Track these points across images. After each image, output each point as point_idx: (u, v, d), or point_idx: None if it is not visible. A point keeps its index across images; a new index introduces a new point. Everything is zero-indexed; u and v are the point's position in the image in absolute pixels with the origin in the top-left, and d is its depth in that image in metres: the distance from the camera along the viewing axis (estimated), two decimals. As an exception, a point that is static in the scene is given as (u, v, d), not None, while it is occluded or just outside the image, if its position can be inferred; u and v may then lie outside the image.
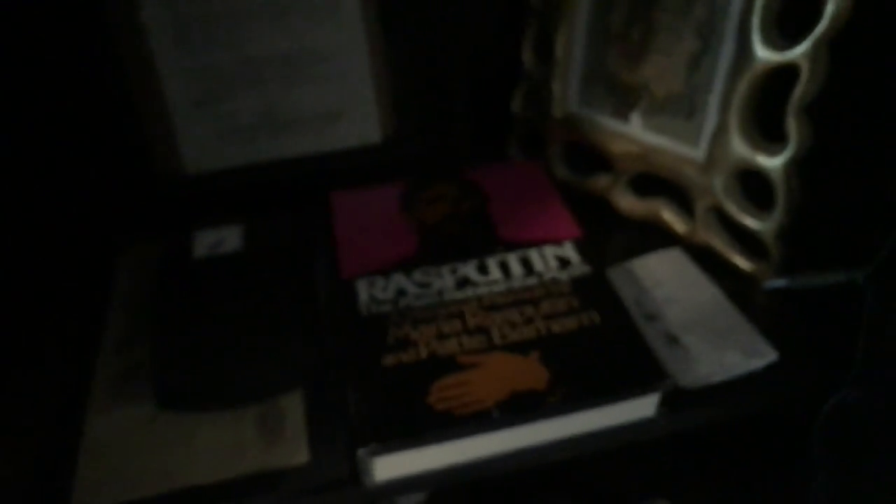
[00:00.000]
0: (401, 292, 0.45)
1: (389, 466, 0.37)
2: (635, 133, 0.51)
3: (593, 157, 0.54)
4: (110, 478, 0.39)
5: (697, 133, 0.48)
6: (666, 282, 0.48)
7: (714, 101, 0.46)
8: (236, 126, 0.54)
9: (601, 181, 0.55)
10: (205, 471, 0.40)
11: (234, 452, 0.40)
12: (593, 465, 0.63)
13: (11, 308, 0.42)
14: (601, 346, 0.41)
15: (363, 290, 0.46)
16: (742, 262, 0.48)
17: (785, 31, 0.41)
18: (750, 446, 0.54)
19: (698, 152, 0.48)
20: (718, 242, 0.49)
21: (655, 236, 0.52)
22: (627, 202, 0.53)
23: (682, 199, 0.51)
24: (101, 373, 0.45)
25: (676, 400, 0.40)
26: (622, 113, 0.52)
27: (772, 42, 0.41)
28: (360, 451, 0.36)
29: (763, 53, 0.41)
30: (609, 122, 0.53)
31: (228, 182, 0.55)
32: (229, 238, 0.47)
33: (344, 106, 0.56)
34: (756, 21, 0.40)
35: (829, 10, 0.37)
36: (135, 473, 0.40)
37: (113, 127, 0.52)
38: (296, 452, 0.40)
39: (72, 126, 0.52)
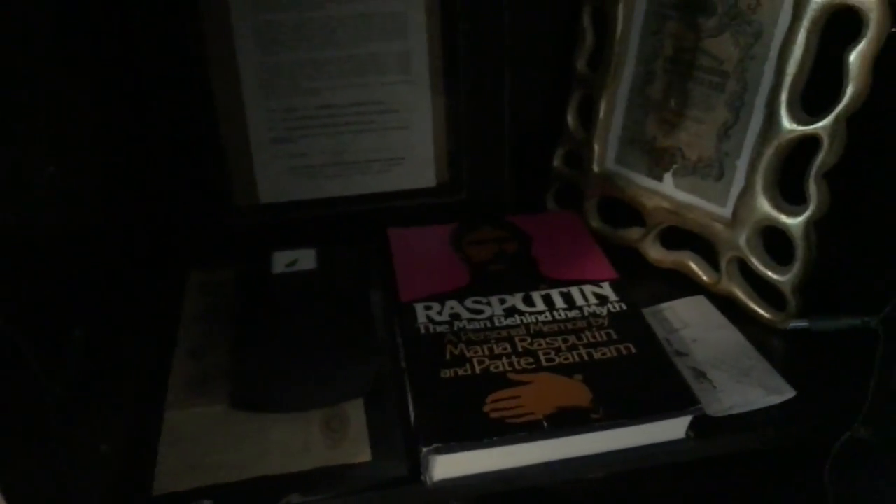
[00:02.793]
0: (455, 316, 0.50)
1: (447, 466, 0.42)
2: (667, 191, 0.57)
3: (623, 211, 0.60)
4: (188, 466, 0.43)
5: (725, 193, 0.53)
6: (692, 324, 0.53)
7: (742, 165, 0.52)
8: (308, 164, 0.60)
9: (633, 233, 0.60)
10: (275, 464, 0.44)
11: (301, 449, 0.44)
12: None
13: (101, 318, 0.46)
14: (638, 373, 0.46)
15: (421, 313, 0.51)
16: (762, 311, 0.53)
17: (805, 106, 0.47)
18: (767, 477, 0.58)
19: (726, 210, 0.54)
20: (740, 292, 0.54)
21: (681, 284, 0.57)
22: (657, 253, 0.59)
23: (707, 250, 0.56)
24: (177, 376, 0.50)
25: (704, 426, 0.44)
26: (656, 173, 0.58)
27: (797, 116, 0.47)
28: (424, 450, 0.41)
29: (789, 125, 0.47)
30: (643, 180, 0.59)
31: (297, 213, 0.61)
32: (304, 259, 0.52)
33: (405, 152, 0.62)
34: (784, 97, 0.47)
35: (850, 90, 0.43)
36: (210, 463, 0.44)
37: (200, 159, 0.58)
38: (359, 452, 0.44)
39: (164, 158, 0.57)
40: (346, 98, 0.59)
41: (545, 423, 0.42)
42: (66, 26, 0.45)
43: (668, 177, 0.57)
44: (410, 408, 0.44)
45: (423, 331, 0.49)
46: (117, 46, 0.53)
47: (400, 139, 0.61)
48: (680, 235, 0.58)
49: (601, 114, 0.59)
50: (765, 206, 0.50)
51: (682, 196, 0.56)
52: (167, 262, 0.58)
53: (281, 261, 0.52)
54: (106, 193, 0.49)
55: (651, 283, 0.58)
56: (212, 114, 0.57)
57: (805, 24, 0.45)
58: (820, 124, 0.45)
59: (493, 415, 0.43)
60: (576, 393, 0.44)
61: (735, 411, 0.46)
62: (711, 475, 0.65)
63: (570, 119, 0.62)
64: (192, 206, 0.59)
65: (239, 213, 0.60)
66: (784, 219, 0.49)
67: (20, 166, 0.34)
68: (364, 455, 0.44)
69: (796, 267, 0.50)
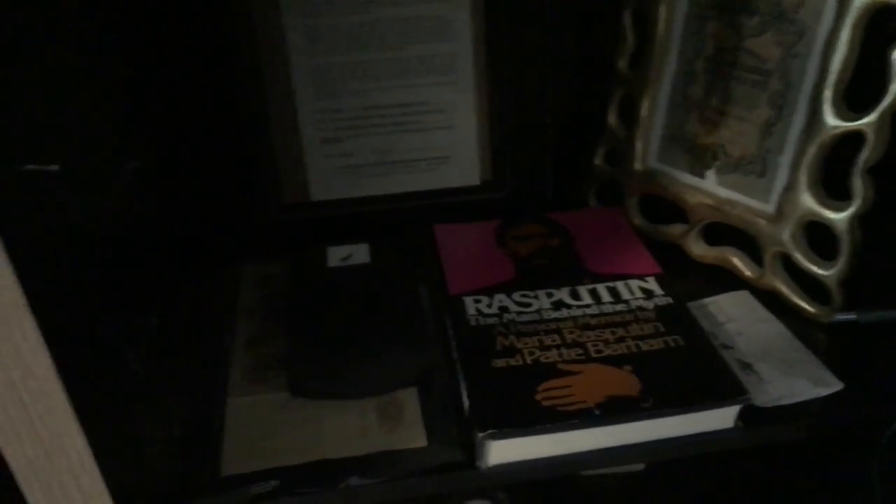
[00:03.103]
0: (504, 309, 0.52)
1: (501, 452, 0.43)
2: (710, 188, 0.58)
3: (664, 208, 0.61)
4: (252, 450, 0.45)
5: (768, 189, 0.54)
6: (737, 318, 0.54)
7: (785, 161, 0.53)
8: (356, 163, 0.62)
9: (675, 229, 0.61)
10: (333, 448, 0.45)
11: (358, 434, 0.46)
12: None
13: (170, 309, 0.49)
14: (686, 364, 0.47)
15: (470, 305, 0.52)
16: (806, 304, 0.54)
17: (848, 102, 0.48)
18: (815, 469, 0.59)
19: (769, 206, 0.54)
20: (784, 287, 0.55)
21: (724, 279, 0.58)
22: (699, 249, 0.60)
23: (749, 245, 0.57)
24: (237, 365, 0.52)
25: (752, 416, 0.45)
26: (698, 170, 0.59)
27: (841, 112, 0.48)
28: (480, 436, 0.42)
29: (833, 122, 0.48)
30: (685, 177, 0.60)
31: (345, 210, 0.63)
32: (358, 253, 0.54)
33: (450, 151, 0.63)
34: (828, 94, 0.48)
35: (894, 87, 0.44)
36: (272, 447, 0.45)
37: (255, 160, 0.60)
38: (414, 437, 0.46)
39: (221, 160, 0.60)
40: (393, 99, 0.61)
41: (596, 411, 0.43)
42: (134, 45, 0.47)
43: (710, 174, 0.58)
44: (464, 396, 0.46)
45: (473, 322, 0.51)
46: (179, 57, 0.56)
47: (445, 138, 0.63)
48: (722, 231, 0.59)
49: (643, 113, 0.60)
50: (808, 201, 0.51)
51: (725, 192, 0.57)
52: (225, 258, 0.60)
53: (336, 255, 0.54)
54: (171, 195, 0.52)
55: (694, 279, 0.59)
56: (265, 117, 0.59)
57: (849, 22, 0.46)
58: (864, 121, 0.46)
59: (545, 403, 0.44)
60: (625, 383, 0.45)
61: (783, 402, 0.47)
62: (758, 467, 0.65)
63: (612, 118, 0.64)
64: (247, 205, 0.61)
65: (291, 211, 0.62)
66: (829, 214, 0.50)
67: (108, 162, 0.36)
68: (420, 440, 0.46)
69: (841, 262, 0.51)
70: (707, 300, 0.56)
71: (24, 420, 0.29)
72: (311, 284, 0.53)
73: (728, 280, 0.58)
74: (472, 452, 0.43)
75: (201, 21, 0.56)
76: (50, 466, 0.31)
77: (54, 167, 0.28)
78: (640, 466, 0.83)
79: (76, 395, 0.29)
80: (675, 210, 0.61)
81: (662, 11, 0.57)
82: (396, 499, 0.43)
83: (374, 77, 0.60)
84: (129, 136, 0.40)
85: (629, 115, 0.62)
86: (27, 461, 0.30)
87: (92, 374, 0.32)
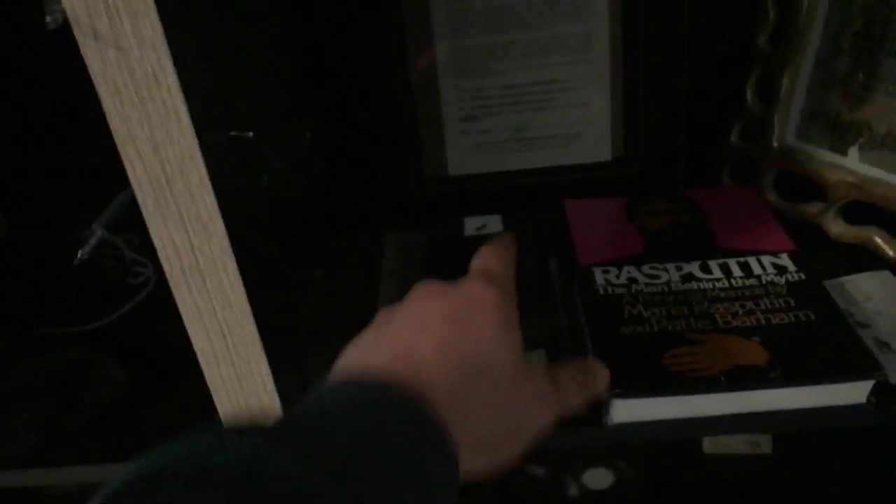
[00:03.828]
0: (632, 280, 0.54)
1: (626, 410, 0.45)
2: (852, 165, 0.57)
3: (800, 186, 0.61)
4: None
5: (916, 167, 0.53)
6: (876, 298, 0.53)
7: (936, 138, 0.51)
8: (492, 140, 0.66)
9: (812, 208, 0.60)
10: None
11: (492, 389, 0.50)
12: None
13: (325, 266, 0.54)
14: (818, 338, 0.47)
15: (599, 276, 0.54)
16: (954, 287, 0.52)
17: None
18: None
19: (916, 184, 0.53)
20: (930, 268, 0.53)
21: (864, 259, 0.57)
22: (839, 228, 0.59)
23: (893, 225, 0.55)
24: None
25: (888, 393, 0.45)
26: (840, 147, 0.58)
27: None
28: (607, 394, 0.45)
29: None
30: (826, 155, 0.59)
31: (481, 185, 0.67)
32: (492, 223, 0.58)
33: (582, 128, 0.66)
34: None
35: None
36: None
37: (399, 136, 0.65)
38: (543, 395, 0.49)
39: (369, 136, 0.65)
40: (529, 78, 0.64)
41: (722, 378, 0.45)
42: (304, 38, 0.53)
43: (853, 151, 0.57)
44: (591, 358, 0.48)
45: (601, 291, 0.53)
46: (339, 47, 0.61)
47: (578, 115, 0.65)
48: (862, 210, 0.57)
49: (783, 90, 0.60)
50: (961, 179, 0.49)
51: (868, 170, 0.56)
52: (371, 226, 0.65)
53: (472, 225, 0.58)
54: (332, 167, 0.58)
55: (831, 258, 0.58)
56: (410, 96, 0.64)
57: None
58: None
59: (672, 368, 0.46)
60: (753, 353, 0.46)
61: (920, 382, 0.46)
62: (891, 460, 0.64)
63: (750, 95, 0.63)
64: (391, 177, 0.66)
65: (430, 184, 0.67)
66: (983, 192, 0.48)
67: (288, 134, 0.42)
68: (548, 398, 0.49)
69: None
70: (844, 279, 0.55)
71: (221, 346, 0.35)
72: (448, 252, 0.58)
73: (869, 260, 0.57)
74: (599, 410, 0.46)
75: (357, 15, 0.61)
76: (240, 387, 0.36)
77: (250, 133, 0.33)
78: (768, 449, 0.83)
79: (263, 328, 0.35)
80: (812, 189, 0.60)
81: (808, -15, 0.56)
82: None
83: (512, 57, 0.63)
84: (304, 112, 0.46)
85: (768, 92, 0.61)
86: (221, 381, 0.36)
87: (274, 311, 0.37)
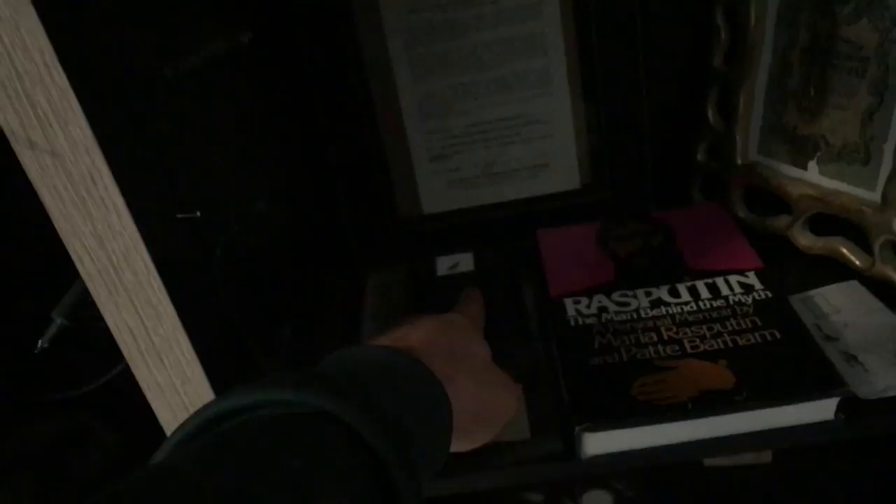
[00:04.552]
0: (602, 309, 0.55)
1: (598, 443, 0.46)
2: (812, 178, 0.58)
3: (769, 200, 0.61)
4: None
5: (874, 177, 0.53)
6: (844, 309, 0.53)
7: (889, 148, 0.52)
8: (463, 176, 0.67)
9: (780, 221, 0.61)
10: (447, 441, 0.51)
11: (469, 428, 0.51)
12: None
13: (303, 318, 0.56)
14: (783, 357, 0.48)
15: (570, 307, 0.55)
16: (920, 293, 0.52)
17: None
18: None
19: (875, 195, 0.53)
20: (896, 275, 0.54)
21: (834, 270, 0.57)
22: (806, 240, 0.59)
23: (858, 235, 0.56)
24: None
25: (854, 408, 0.46)
26: (800, 161, 0.58)
27: (942, 96, 0.47)
28: (577, 429, 0.46)
29: (934, 106, 0.47)
30: (787, 169, 0.59)
31: (455, 221, 0.68)
32: (463, 262, 0.59)
33: (550, 159, 0.67)
34: (926, 79, 0.47)
35: None
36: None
37: (371, 179, 0.67)
38: (519, 430, 0.50)
39: (342, 181, 0.67)
40: (494, 114, 0.65)
41: (689, 405, 0.45)
42: (267, 100, 0.54)
43: (812, 164, 0.58)
44: (563, 392, 0.49)
45: (572, 323, 0.54)
46: (300, 94, 0.63)
47: (544, 147, 0.66)
48: (830, 221, 0.58)
49: (741, 107, 0.61)
50: (916, 187, 0.50)
51: (828, 182, 0.57)
52: (349, 269, 0.67)
53: (444, 264, 0.59)
54: (299, 215, 0.59)
55: (802, 270, 0.58)
56: (379, 140, 0.66)
57: (947, 2, 0.45)
58: (968, 103, 0.45)
59: (640, 397, 0.47)
60: (719, 377, 0.47)
61: (889, 394, 0.46)
62: (868, 457, 0.64)
63: (710, 114, 0.64)
64: (366, 220, 0.68)
65: (406, 223, 0.68)
66: (937, 199, 0.49)
67: (242, 202, 0.44)
68: (524, 433, 0.50)
69: (954, 247, 0.49)
70: (813, 292, 0.55)
71: (184, 417, 0.36)
72: (424, 292, 0.59)
73: (838, 270, 0.57)
74: (572, 444, 0.47)
75: (319, 65, 0.63)
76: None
77: (197, 213, 0.35)
78: (768, 458, 0.83)
79: (225, 396, 0.36)
80: (780, 202, 0.61)
81: (753, 5, 0.57)
82: (503, 485, 0.47)
83: (474, 96, 0.64)
84: (257, 181, 0.47)
85: (728, 110, 0.62)
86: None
87: (235, 378, 0.38)
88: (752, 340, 0.49)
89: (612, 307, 0.55)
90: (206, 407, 0.30)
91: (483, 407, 0.43)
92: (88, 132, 0.28)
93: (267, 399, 0.30)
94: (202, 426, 0.30)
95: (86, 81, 0.28)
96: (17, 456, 0.51)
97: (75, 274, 0.33)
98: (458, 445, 0.42)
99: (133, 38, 0.32)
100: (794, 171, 0.59)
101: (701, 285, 0.55)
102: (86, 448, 0.52)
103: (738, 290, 0.54)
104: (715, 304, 0.53)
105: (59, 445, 0.51)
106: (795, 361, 0.47)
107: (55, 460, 0.50)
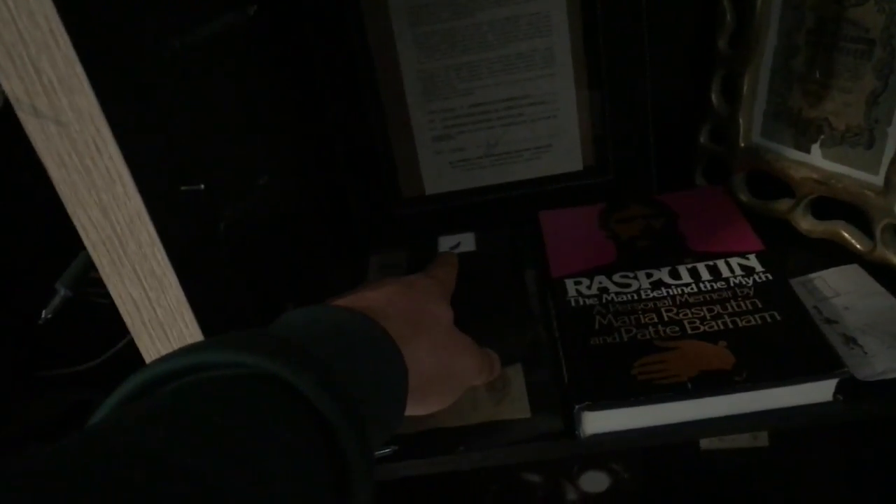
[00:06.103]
0: (603, 290, 0.55)
1: (598, 422, 0.47)
2: (815, 162, 0.58)
3: (772, 183, 0.61)
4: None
5: (877, 161, 0.53)
6: (844, 292, 0.54)
7: (893, 132, 0.51)
8: (466, 157, 0.67)
9: (782, 205, 0.61)
10: (447, 418, 0.51)
11: (469, 406, 0.51)
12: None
13: (306, 297, 0.56)
14: (782, 338, 0.48)
15: (571, 287, 0.56)
16: (921, 277, 0.52)
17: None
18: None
19: (877, 178, 0.53)
20: (897, 259, 0.54)
21: (835, 253, 0.57)
22: (808, 223, 0.60)
23: (859, 218, 0.56)
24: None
25: (853, 390, 0.46)
26: (803, 145, 0.58)
27: (947, 79, 0.46)
28: (577, 407, 0.46)
29: (939, 89, 0.47)
30: (790, 152, 0.59)
31: (457, 202, 0.68)
32: (465, 241, 0.59)
33: (552, 140, 0.67)
34: (931, 61, 0.47)
35: None
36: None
37: (375, 160, 0.67)
38: (520, 409, 0.50)
39: (346, 162, 0.67)
40: (497, 95, 0.65)
41: (689, 385, 0.46)
42: (273, 77, 0.54)
43: (815, 148, 0.57)
44: (564, 371, 0.50)
45: (573, 303, 0.54)
46: (304, 75, 0.63)
47: (548, 128, 0.66)
48: (832, 205, 0.58)
49: (745, 90, 0.60)
50: (919, 171, 0.50)
51: (831, 166, 0.57)
52: (351, 249, 0.67)
53: (446, 244, 0.59)
54: (302, 194, 0.59)
55: (803, 253, 0.59)
56: (382, 120, 0.66)
57: (955, -16, 0.45)
58: (973, 86, 0.45)
59: (641, 377, 0.47)
60: (719, 357, 0.47)
61: (888, 376, 0.47)
62: (866, 441, 0.64)
63: (715, 97, 0.64)
64: (369, 200, 0.68)
65: (408, 204, 0.68)
66: (940, 183, 0.49)
67: (246, 177, 0.44)
68: (524, 412, 0.50)
69: (956, 232, 0.49)
70: (813, 275, 0.56)
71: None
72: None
73: (839, 254, 0.57)
74: (572, 423, 0.47)
75: (322, 42, 0.63)
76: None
77: (201, 186, 0.35)
78: (764, 442, 0.83)
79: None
80: (783, 185, 0.61)
81: (760, -13, 0.57)
82: (503, 464, 0.48)
83: (478, 76, 0.64)
84: (260, 158, 0.47)
85: (732, 93, 0.62)
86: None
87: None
88: (753, 322, 0.49)
89: (613, 288, 0.55)
90: (147, 368, 0.29)
91: (440, 370, 0.42)
92: (94, 101, 0.28)
93: (209, 360, 0.29)
94: (141, 388, 0.28)
95: (92, 50, 0.28)
96: (23, 431, 0.51)
97: (80, 245, 0.33)
98: (414, 409, 0.41)
99: (140, 8, 0.32)
100: (797, 155, 0.59)
101: (702, 267, 0.55)
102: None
103: (738, 272, 0.54)
104: (716, 285, 0.53)
105: (64, 420, 0.52)
106: (795, 343, 0.47)
107: (60, 436, 0.50)
